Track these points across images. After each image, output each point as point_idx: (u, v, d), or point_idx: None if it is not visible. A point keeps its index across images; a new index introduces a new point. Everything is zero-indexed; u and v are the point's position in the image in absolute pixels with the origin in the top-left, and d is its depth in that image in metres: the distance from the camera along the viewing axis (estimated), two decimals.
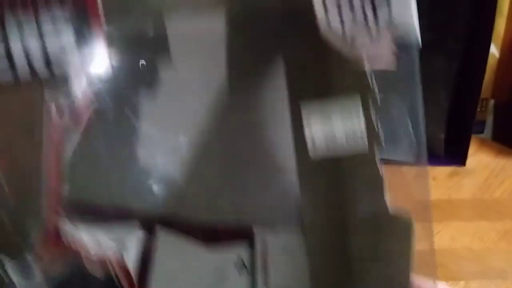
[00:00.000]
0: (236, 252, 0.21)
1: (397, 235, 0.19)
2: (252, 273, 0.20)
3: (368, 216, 0.20)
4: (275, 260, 0.20)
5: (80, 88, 0.19)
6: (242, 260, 0.21)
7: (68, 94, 0.18)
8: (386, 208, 0.19)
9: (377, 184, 0.19)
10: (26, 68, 0.18)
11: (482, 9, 0.43)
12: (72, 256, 0.19)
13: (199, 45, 0.21)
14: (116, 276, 0.19)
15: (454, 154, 0.49)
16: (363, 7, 0.19)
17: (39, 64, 0.18)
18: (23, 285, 0.18)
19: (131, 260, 0.20)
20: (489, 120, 0.56)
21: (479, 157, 0.52)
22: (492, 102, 0.56)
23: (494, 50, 0.51)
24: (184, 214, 0.21)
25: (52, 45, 0.18)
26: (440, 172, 0.49)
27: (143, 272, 0.20)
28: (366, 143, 0.19)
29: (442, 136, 0.49)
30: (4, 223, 0.18)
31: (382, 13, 0.19)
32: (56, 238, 0.19)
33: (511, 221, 0.43)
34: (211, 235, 0.21)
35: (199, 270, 0.20)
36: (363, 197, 0.20)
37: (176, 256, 0.20)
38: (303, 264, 0.20)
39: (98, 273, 0.19)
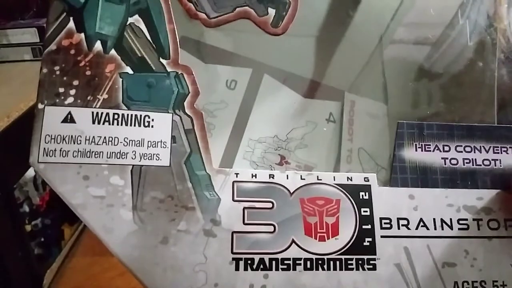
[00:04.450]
0: (329, 110, 0.24)
1: None
2: (339, 126, 0.24)
3: None
4: (360, 119, 0.24)
5: None
6: (332, 115, 0.24)
7: None
8: None
9: None
10: None
11: None
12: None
13: None
14: None
15: None
16: None
17: None
18: None
19: (240, 93, 0.23)
20: None
21: None
22: None
23: None
24: (291, 70, 0.24)
25: None
26: None
27: (244, 105, 0.24)
28: None
29: None
30: None
31: None
32: None
33: None
34: (311, 91, 0.24)
35: (293, 117, 0.24)
36: None
37: (276, 98, 0.24)
38: (383, 128, 0.24)
39: None
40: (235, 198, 0.20)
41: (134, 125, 0.21)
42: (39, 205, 1.02)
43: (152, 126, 0.21)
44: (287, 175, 0.21)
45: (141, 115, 0.21)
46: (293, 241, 0.20)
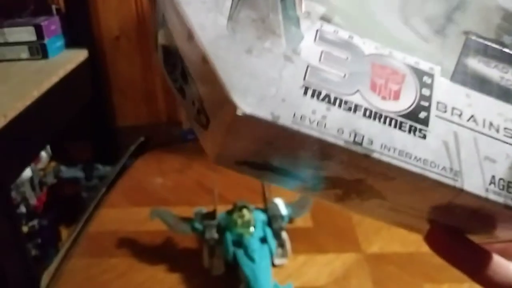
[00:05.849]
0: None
1: None
2: None
3: None
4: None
5: None
6: None
7: None
8: None
9: None
10: None
11: None
12: None
13: None
14: None
15: None
16: None
17: None
18: None
19: None
20: None
21: None
22: None
23: None
24: None
25: None
26: None
27: None
28: None
29: None
30: None
31: None
32: None
33: None
34: None
35: None
36: None
37: None
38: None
39: None
40: (316, 41, 0.23)
41: None
42: (36, 206, 1.02)
43: None
44: (365, 41, 0.24)
45: None
46: (358, 91, 0.23)
